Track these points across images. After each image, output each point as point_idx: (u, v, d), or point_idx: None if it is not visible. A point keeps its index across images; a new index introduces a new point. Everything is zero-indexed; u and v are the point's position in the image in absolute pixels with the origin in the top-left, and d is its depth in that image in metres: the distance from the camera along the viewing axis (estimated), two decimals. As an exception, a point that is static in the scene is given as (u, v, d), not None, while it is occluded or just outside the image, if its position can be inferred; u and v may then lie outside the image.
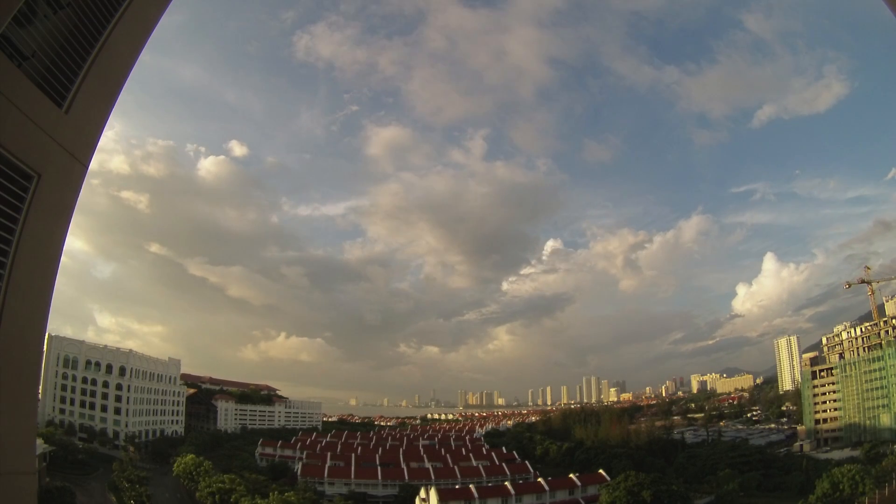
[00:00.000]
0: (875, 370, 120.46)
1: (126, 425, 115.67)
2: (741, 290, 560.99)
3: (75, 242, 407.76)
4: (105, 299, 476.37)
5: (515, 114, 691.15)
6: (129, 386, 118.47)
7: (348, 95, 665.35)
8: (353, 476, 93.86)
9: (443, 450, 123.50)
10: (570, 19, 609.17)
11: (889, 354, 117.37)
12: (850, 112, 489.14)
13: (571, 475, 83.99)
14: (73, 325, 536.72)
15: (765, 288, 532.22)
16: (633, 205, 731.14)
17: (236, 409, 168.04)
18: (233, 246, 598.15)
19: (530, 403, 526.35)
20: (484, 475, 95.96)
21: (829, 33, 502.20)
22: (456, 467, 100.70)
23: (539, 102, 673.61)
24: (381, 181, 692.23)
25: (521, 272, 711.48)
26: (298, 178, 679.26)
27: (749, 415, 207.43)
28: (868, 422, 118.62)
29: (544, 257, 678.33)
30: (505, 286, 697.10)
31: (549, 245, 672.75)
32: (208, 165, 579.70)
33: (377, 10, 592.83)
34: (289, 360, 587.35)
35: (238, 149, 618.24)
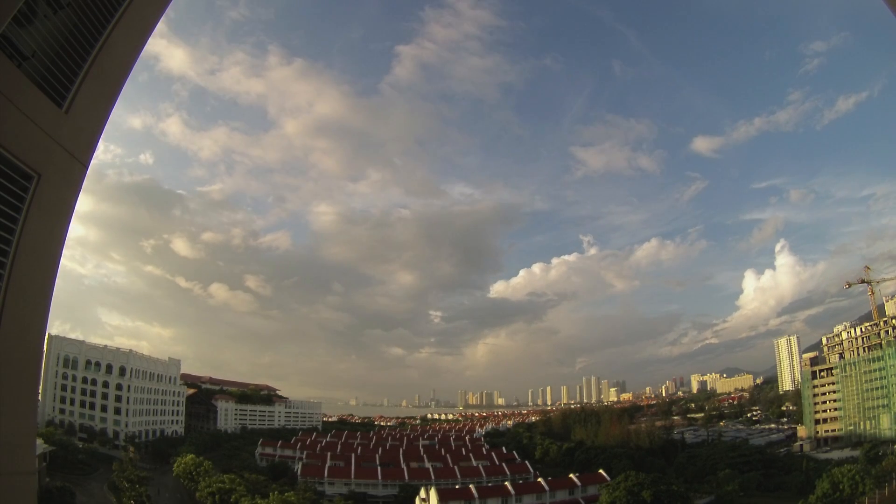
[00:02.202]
0: (875, 370, 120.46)
1: (126, 425, 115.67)
2: (748, 290, 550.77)
3: (84, 251, 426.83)
4: (113, 304, 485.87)
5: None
6: (129, 386, 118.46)
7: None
8: (353, 476, 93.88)
9: (443, 450, 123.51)
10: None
11: (889, 354, 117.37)
12: (871, 108, 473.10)
13: (571, 475, 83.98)
14: (83, 330, 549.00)
15: (771, 287, 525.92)
16: (657, 201, 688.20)
17: (236, 409, 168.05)
18: (224, 257, 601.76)
19: (530, 403, 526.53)
20: (484, 475, 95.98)
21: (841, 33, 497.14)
22: (456, 467, 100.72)
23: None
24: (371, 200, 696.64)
25: (519, 274, 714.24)
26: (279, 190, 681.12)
27: (749, 415, 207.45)
28: (868, 422, 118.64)
29: (571, 257, 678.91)
30: (502, 287, 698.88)
31: (587, 242, 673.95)
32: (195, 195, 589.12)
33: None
34: (289, 360, 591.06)
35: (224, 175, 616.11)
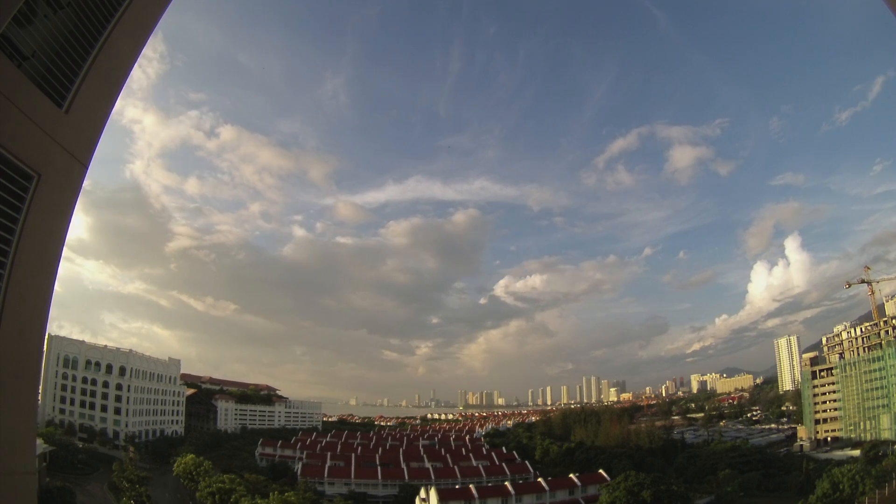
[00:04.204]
0: (875, 370, 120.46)
1: (126, 425, 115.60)
2: (753, 289, 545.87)
3: (89, 256, 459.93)
4: (117, 307, 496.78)
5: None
6: (129, 386, 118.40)
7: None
8: (353, 476, 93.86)
9: (443, 450, 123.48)
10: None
11: (889, 354, 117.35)
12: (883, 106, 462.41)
13: (571, 475, 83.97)
14: (91, 332, 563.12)
15: (777, 286, 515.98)
16: (678, 198, 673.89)
17: (236, 409, 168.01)
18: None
19: (530, 403, 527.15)
20: (484, 475, 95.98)
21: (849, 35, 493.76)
22: (456, 467, 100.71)
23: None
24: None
25: (526, 275, 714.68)
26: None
27: (749, 415, 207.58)
28: (868, 422, 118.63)
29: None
30: (503, 288, 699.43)
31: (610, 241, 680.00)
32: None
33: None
34: (289, 360, 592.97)
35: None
